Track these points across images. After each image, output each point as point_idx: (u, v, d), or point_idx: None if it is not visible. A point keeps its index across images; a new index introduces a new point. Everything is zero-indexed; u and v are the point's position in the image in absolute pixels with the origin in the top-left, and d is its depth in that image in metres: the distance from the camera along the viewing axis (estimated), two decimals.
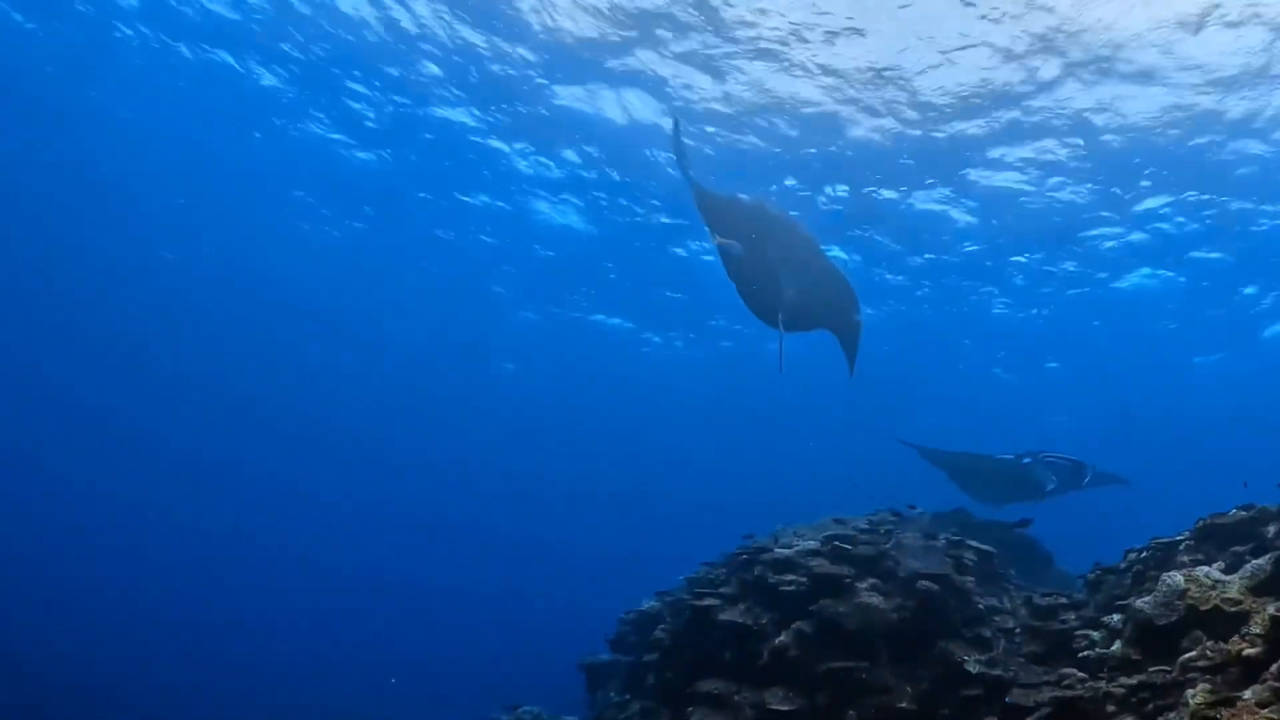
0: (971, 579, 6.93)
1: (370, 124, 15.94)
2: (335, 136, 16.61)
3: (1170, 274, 18.40)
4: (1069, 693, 5.31)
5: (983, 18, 11.11)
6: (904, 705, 6.05)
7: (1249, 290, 19.04)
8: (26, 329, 28.75)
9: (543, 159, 16.29)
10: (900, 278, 19.31)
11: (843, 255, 17.74)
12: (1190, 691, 4.51)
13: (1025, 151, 14.08)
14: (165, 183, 19.82)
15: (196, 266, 23.97)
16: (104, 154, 18.73)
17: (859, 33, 11.52)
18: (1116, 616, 5.86)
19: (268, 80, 15.05)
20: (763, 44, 12.05)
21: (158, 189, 20.16)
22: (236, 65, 14.74)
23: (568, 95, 14.02)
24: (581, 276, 21.74)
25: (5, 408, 32.85)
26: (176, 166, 18.95)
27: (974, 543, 7.33)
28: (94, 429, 35.56)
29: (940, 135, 13.71)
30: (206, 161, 18.54)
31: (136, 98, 16.31)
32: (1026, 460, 9.46)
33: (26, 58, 15.48)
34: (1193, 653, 4.80)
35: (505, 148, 16.08)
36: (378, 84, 14.62)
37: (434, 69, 13.95)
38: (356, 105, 15.43)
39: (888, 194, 15.64)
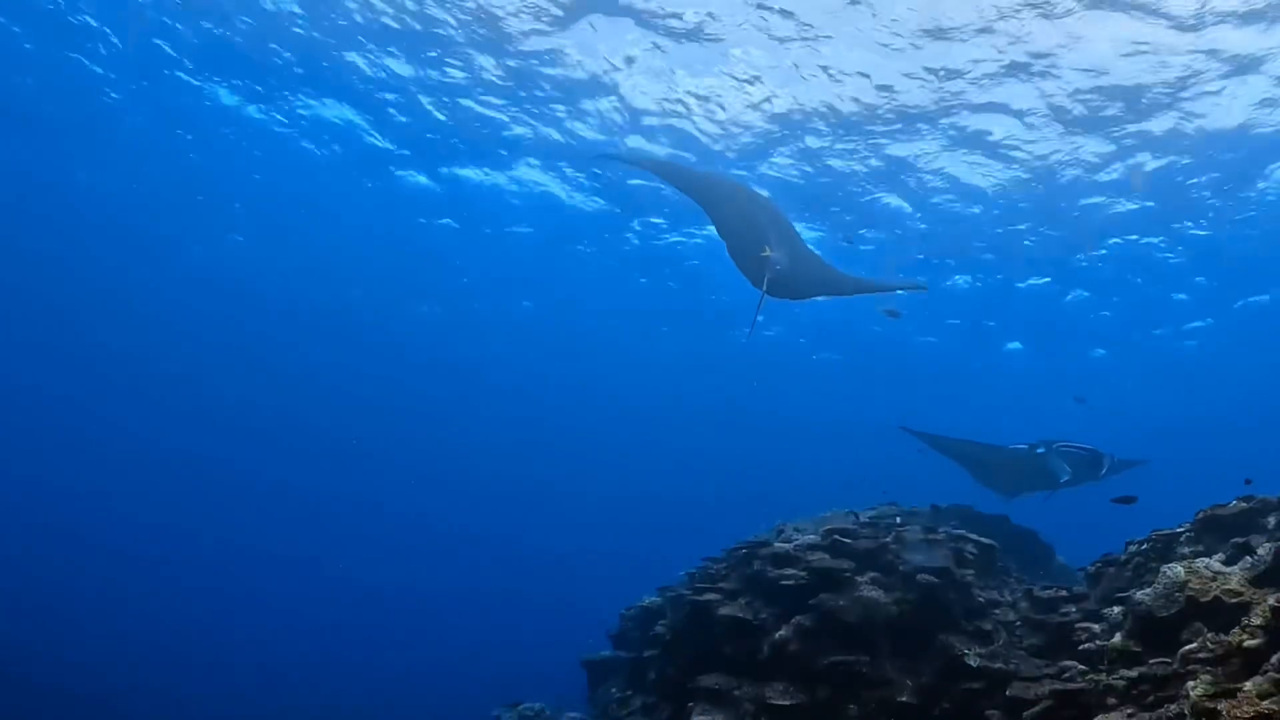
0: (972, 572, 6.92)
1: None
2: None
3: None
4: (1070, 685, 5.31)
5: None
6: (905, 699, 6.05)
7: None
8: (31, 332, 28.78)
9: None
10: None
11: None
12: (1191, 683, 4.50)
13: None
14: (163, 188, 19.83)
15: (191, 268, 23.96)
16: (109, 158, 18.74)
17: None
18: (1117, 609, 5.86)
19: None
20: None
21: (155, 195, 20.18)
22: None
23: None
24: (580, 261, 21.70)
25: (8, 413, 32.90)
26: (178, 173, 18.97)
27: (975, 536, 7.32)
28: (96, 433, 35.59)
29: None
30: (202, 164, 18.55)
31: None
32: (1041, 450, 9.21)
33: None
34: (1193, 644, 4.78)
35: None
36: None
37: None
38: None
39: None
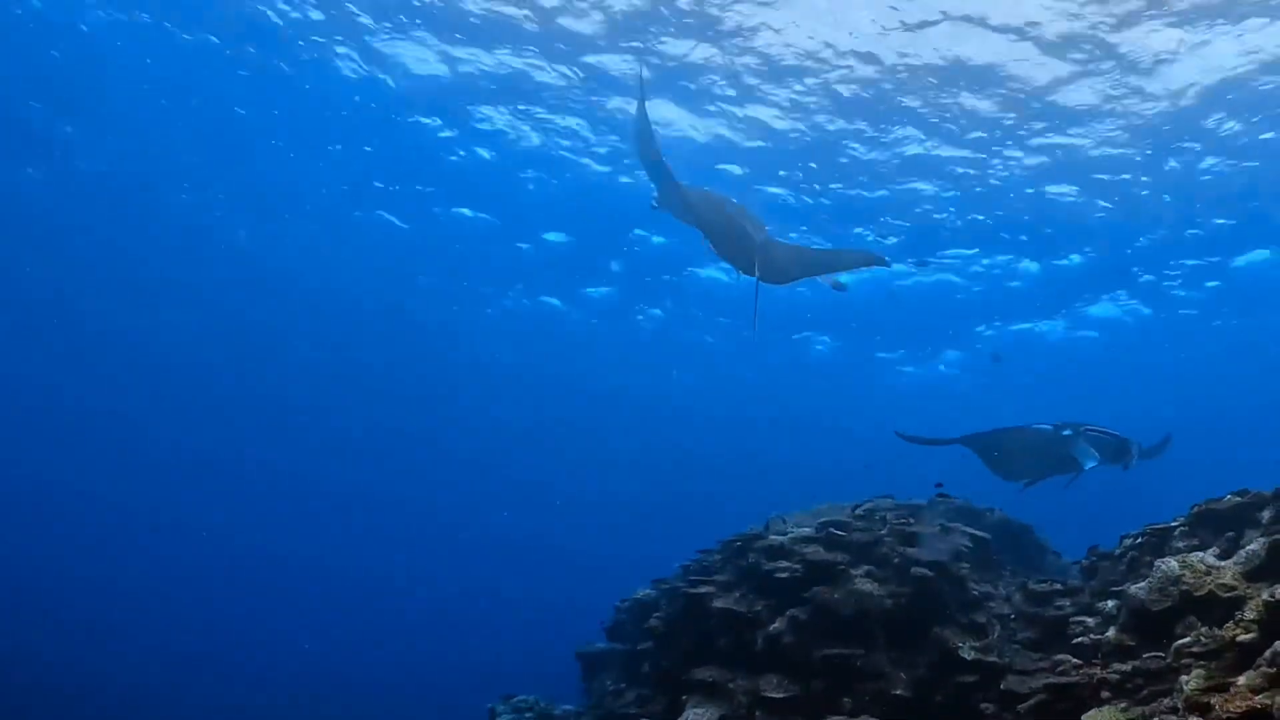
0: (967, 565, 6.91)
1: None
2: None
3: None
4: (1063, 679, 5.31)
5: None
6: (899, 692, 6.03)
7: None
8: (35, 327, 28.58)
9: None
10: None
11: None
12: (1184, 677, 4.50)
13: None
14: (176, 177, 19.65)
15: (192, 257, 23.79)
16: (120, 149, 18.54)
17: None
18: (1111, 603, 5.86)
19: None
20: None
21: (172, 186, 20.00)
22: None
23: None
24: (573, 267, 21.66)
25: (16, 408, 32.74)
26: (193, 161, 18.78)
27: (969, 529, 7.31)
28: (98, 429, 35.47)
29: None
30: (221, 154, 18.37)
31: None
32: (1067, 432, 8.56)
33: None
34: (1187, 639, 4.78)
35: None
36: None
37: None
38: None
39: None
